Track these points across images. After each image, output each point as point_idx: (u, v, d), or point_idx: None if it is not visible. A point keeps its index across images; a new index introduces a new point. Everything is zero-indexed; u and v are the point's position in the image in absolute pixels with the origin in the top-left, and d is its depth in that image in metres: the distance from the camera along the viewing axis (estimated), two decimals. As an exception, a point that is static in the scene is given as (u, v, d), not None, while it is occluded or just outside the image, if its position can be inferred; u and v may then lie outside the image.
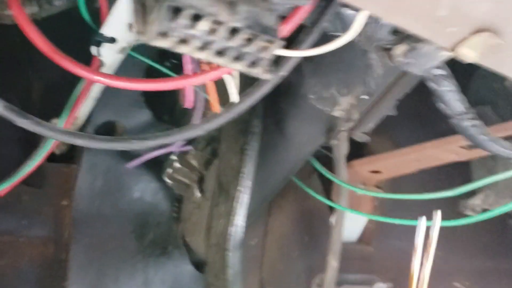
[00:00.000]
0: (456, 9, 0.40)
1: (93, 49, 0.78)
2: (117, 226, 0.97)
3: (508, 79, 0.96)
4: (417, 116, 1.17)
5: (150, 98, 1.01)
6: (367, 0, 0.40)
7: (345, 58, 0.73)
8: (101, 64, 0.81)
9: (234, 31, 0.37)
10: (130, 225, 0.98)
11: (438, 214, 0.36)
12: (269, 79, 0.41)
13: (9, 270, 0.90)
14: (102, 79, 0.51)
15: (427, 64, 0.48)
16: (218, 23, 0.36)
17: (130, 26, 0.78)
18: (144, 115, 0.99)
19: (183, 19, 0.35)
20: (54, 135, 0.50)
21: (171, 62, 1.02)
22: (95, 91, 0.88)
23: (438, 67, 0.58)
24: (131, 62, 0.93)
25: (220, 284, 0.75)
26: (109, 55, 0.80)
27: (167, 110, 1.04)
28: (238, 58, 0.39)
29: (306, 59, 0.78)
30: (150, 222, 1.00)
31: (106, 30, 0.78)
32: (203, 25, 0.36)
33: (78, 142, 0.51)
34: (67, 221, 0.94)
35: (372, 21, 0.55)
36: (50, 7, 0.81)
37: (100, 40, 0.78)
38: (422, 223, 0.38)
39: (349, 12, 0.55)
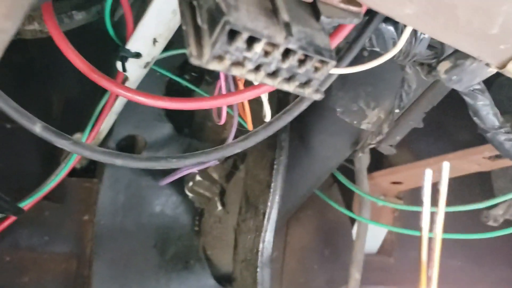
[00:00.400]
0: (508, 27, 0.40)
1: (118, 64, 0.78)
2: (139, 241, 0.96)
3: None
4: (436, 127, 1.17)
5: (170, 112, 1.01)
6: (425, 21, 0.39)
7: (373, 70, 0.73)
8: (125, 79, 0.80)
9: (288, 53, 0.37)
10: (152, 239, 0.98)
11: (446, 167, 0.35)
12: (318, 99, 0.40)
13: (32, 286, 0.89)
14: (141, 98, 0.51)
15: (472, 80, 0.48)
16: (273, 45, 0.36)
17: (155, 41, 0.78)
18: (165, 129, 0.99)
19: (239, 43, 0.35)
20: (92, 155, 0.50)
21: (191, 75, 1.01)
22: (117, 106, 0.88)
23: (474, 82, 0.58)
24: (152, 76, 0.93)
25: (250, 300, 0.74)
26: (133, 70, 0.79)
27: (185, 122, 1.04)
28: (289, 79, 0.39)
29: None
30: (171, 236, 0.99)
31: (132, 45, 0.78)
32: (258, 48, 0.35)
33: (118, 162, 0.51)
34: (89, 236, 0.93)
35: (410, 36, 0.54)
36: (70, 21, 0.81)
37: (125, 55, 0.77)
38: (427, 174, 0.38)
39: (387, 27, 0.54)
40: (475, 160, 0.93)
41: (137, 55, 0.78)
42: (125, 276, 0.94)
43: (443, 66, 0.48)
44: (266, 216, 0.73)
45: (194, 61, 0.36)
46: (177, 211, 1.00)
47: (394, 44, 0.54)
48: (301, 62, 0.38)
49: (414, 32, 0.55)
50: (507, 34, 0.40)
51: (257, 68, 0.37)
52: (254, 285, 0.73)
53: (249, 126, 0.56)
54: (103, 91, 0.87)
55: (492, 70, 0.47)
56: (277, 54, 0.36)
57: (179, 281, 0.97)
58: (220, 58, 0.36)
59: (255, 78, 0.38)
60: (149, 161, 0.51)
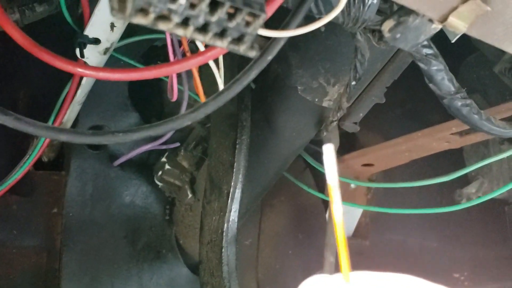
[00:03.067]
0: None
1: (77, 51, 0.77)
2: (109, 232, 0.95)
3: (496, 65, 0.96)
4: (405, 108, 1.17)
5: (138, 101, 1.00)
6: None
7: (331, 45, 0.72)
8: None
9: (215, 5, 0.36)
10: (122, 230, 0.96)
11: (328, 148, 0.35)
12: (253, 56, 0.39)
13: (2, 282, 0.88)
14: (86, 71, 0.50)
15: (417, 38, 0.47)
16: (198, -4, 0.35)
17: (112, 26, 0.78)
18: (132, 119, 0.98)
19: (162, -7, 0.34)
20: (35, 131, 0.49)
21: (156, 63, 1.01)
22: (80, 95, 0.87)
23: (426, 46, 0.57)
24: (115, 64, 0.93)
25: (216, 282, 0.73)
26: (93, 56, 0.79)
27: (155, 113, 1.03)
28: (221, 34, 0.38)
29: (293, 49, 0.78)
30: (142, 227, 0.98)
31: (90, 31, 0.77)
32: None
33: (62, 137, 0.49)
34: (59, 229, 0.92)
35: (358, 1, 0.54)
36: (32, 13, 0.80)
37: (83, 41, 0.77)
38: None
39: (333, -8, 0.54)
40: (443, 137, 0.92)
41: (96, 41, 0.77)
42: (96, 267, 0.93)
43: (387, 25, 0.48)
44: (230, 196, 0.72)
45: (116, 15, 0.35)
46: (147, 201, 0.99)
47: (342, 10, 0.54)
48: (231, 15, 0.37)
49: (361, -3, 0.54)
50: (443, -16, 0.40)
51: (185, 22, 0.37)
52: (219, 265, 0.72)
53: (202, 98, 0.56)
54: (68, 83, 0.86)
55: (436, 27, 0.46)
56: (204, 5, 0.36)
57: (151, 271, 0.96)
58: (144, 11, 0.35)
59: (184, 33, 0.37)
60: (94, 136, 0.50)
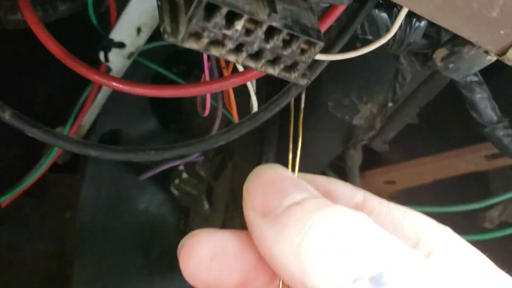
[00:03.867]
0: (509, 10, 0.37)
1: (101, 55, 0.75)
2: (122, 240, 0.93)
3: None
4: (431, 125, 1.14)
5: (156, 106, 0.98)
6: (420, 1, 0.36)
7: (367, 64, 0.70)
8: (108, 69, 0.77)
9: (271, 32, 0.33)
10: (135, 238, 0.94)
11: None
12: (304, 84, 0.37)
13: (11, 286, 0.86)
14: (120, 85, 0.47)
15: (470, 69, 0.45)
16: (255, 22, 0.33)
17: (139, 31, 0.75)
18: (150, 123, 0.95)
19: (218, 18, 0.32)
20: (65, 145, 0.47)
21: (179, 68, 0.98)
22: (100, 98, 0.84)
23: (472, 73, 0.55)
24: (137, 68, 0.90)
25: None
26: (117, 61, 0.76)
27: (173, 118, 1.01)
28: (274, 61, 0.36)
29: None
30: (156, 236, 0.96)
31: (115, 35, 0.75)
32: (239, 25, 0.32)
33: (92, 153, 0.47)
34: (71, 234, 0.90)
35: (405, 24, 0.52)
36: (54, 11, 0.78)
37: (109, 45, 0.74)
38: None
39: (380, 14, 0.51)
40: (471, 159, 0.90)
41: (121, 45, 0.75)
42: (107, 275, 0.91)
43: (440, 53, 0.45)
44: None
45: (168, 38, 0.33)
46: (162, 210, 0.97)
47: (388, 31, 0.51)
48: (286, 42, 0.35)
49: (409, 20, 0.52)
50: (508, 17, 0.38)
51: (239, 48, 0.34)
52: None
53: (235, 117, 0.53)
54: (87, 84, 0.84)
55: (491, 58, 0.44)
56: (260, 32, 0.33)
57: (162, 281, 0.94)
58: (197, 35, 0.33)
59: (236, 59, 0.35)
60: (125, 153, 0.48)
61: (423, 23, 0.52)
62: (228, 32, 0.32)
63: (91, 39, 0.77)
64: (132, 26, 0.73)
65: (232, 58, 0.34)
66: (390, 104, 0.63)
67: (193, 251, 0.30)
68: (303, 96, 0.35)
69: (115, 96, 0.87)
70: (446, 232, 0.30)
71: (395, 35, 0.52)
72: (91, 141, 0.47)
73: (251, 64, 0.35)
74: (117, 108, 0.93)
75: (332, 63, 0.76)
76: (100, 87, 0.82)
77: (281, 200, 0.29)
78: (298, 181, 0.30)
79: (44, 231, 0.90)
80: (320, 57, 0.46)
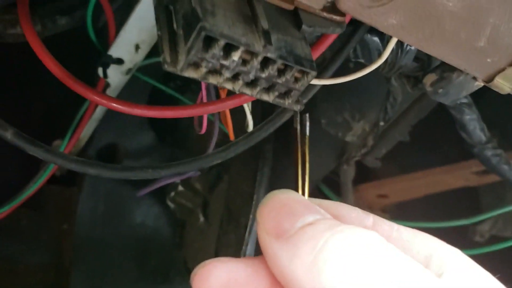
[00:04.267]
0: (496, 40, 0.39)
1: (100, 71, 0.76)
2: (118, 252, 0.94)
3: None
4: (423, 140, 1.16)
5: (153, 120, 0.99)
6: (410, 32, 0.38)
7: (360, 83, 0.71)
8: (106, 85, 0.79)
9: (267, 62, 0.35)
10: (132, 251, 0.95)
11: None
12: (297, 110, 0.39)
13: (7, 298, 0.87)
14: (119, 106, 0.49)
15: (459, 94, 0.46)
16: (251, 53, 0.34)
17: (137, 48, 0.77)
18: (147, 137, 0.97)
19: (216, 50, 0.33)
20: (64, 163, 0.48)
21: (176, 83, 0.99)
22: (98, 113, 0.86)
23: (461, 95, 0.56)
24: (135, 83, 0.91)
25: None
26: (115, 77, 0.78)
27: (170, 132, 1.02)
28: (268, 89, 0.37)
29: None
30: (152, 248, 0.97)
31: (114, 51, 0.76)
32: (236, 56, 0.34)
33: (91, 171, 0.49)
34: (68, 246, 0.91)
35: (396, 47, 0.53)
36: (53, 26, 0.79)
37: (107, 61, 0.76)
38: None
39: (372, 38, 0.53)
40: (462, 175, 0.92)
41: (119, 62, 0.77)
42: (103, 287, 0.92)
43: (429, 78, 0.47)
44: (248, 229, 0.71)
45: (168, 68, 0.34)
46: (158, 222, 0.98)
47: (379, 55, 0.53)
48: (281, 71, 0.36)
49: (400, 44, 0.54)
50: (494, 47, 0.39)
51: (235, 76, 0.36)
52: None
53: (231, 136, 0.55)
54: (84, 98, 0.85)
55: (479, 84, 0.45)
56: (256, 63, 0.35)
57: (158, 294, 0.95)
58: (196, 65, 0.34)
59: (233, 87, 0.36)
60: (123, 171, 0.49)
61: (414, 47, 0.54)
62: (225, 63, 0.34)
63: (90, 54, 0.78)
64: (131, 43, 0.75)
65: (229, 86, 0.36)
66: (381, 124, 0.65)
67: (205, 281, 0.30)
68: (307, 123, 0.37)
69: (112, 110, 0.88)
70: (456, 253, 0.31)
71: (386, 59, 0.54)
72: (89, 160, 0.48)
73: (247, 91, 0.37)
74: (114, 121, 0.94)
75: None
76: (98, 102, 0.83)
77: (294, 222, 0.29)
78: (310, 204, 0.31)
79: (41, 243, 0.91)
80: (313, 81, 0.48)
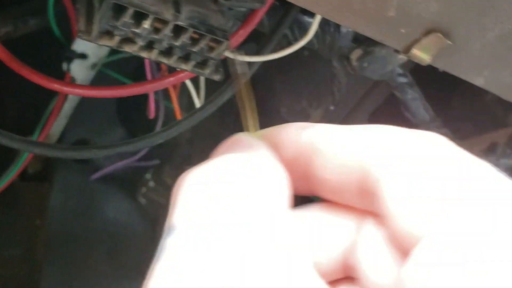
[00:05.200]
0: (405, 9, 0.40)
1: (64, 65, 0.78)
2: (91, 247, 0.95)
3: (488, 95, 0.96)
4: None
5: (126, 117, 1.01)
6: (318, 2, 0.40)
7: (312, 70, 0.73)
8: (72, 80, 0.81)
9: (179, 31, 0.37)
10: (104, 246, 0.96)
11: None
12: (218, 80, 0.40)
13: (-22, 291, 0.88)
14: (63, 87, 0.51)
15: (384, 68, 0.48)
16: (162, 22, 0.36)
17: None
18: (118, 133, 0.98)
19: (127, 18, 0.35)
20: (10, 143, 0.50)
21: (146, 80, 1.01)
22: (67, 108, 0.87)
23: (402, 75, 0.58)
24: (105, 80, 0.93)
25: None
26: (80, 71, 0.79)
27: (140, 126, 1.04)
28: (185, 58, 0.39)
29: (277, 72, 0.79)
30: (124, 243, 0.98)
31: (77, 46, 0.78)
32: (146, 24, 0.35)
33: (36, 151, 0.50)
34: (40, 241, 0.92)
35: (333, 29, 0.55)
36: (25, 26, 0.82)
37: (70, 56, 0.78)
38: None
39: (308, 19, 0.55)
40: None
41: (83, 56, 0.79)
42: (75, 282, 0.93)
43: (355, 54, 0.49)
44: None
45: (82, 36, 0.36)
46: (130, 218, 0.99)
47: (317, 36, 0.55)
48: (195, 41, 0.38)
49: (338, 25, 0.55)
50: (405, 17, 0.41)
51: (150, 45, 0.37)
52: None
53: (177, 115, 0.57)
54: (55, 95, 0.87)
55: (403, 57, 0.47)
56: (168, 30, 0.36)
57: (130, 288, 0.96)
58: (109, 34, 0.36)
59: (149, 56, 0.38)
60: (68, 151, 0.51)
61: (351, 29, 0.56)
62: (137, 30, 0.36)
63: (60, 52, 0.80)
64: (93, 38, 0.77)
65: (144, 54, 0.38)
66: (331, 108, 0.66)
67: None
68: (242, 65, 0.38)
69: (84, 107, 0.90)
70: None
71: (324, 39, 0.56)
72: (34, 140, 0.50)
73: (164, 60, 0.38)
74: (85, 118, 0.95)
75: (284, 71, 0.80)
76: (65, 97, 0.85)
77: None
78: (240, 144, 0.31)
79: (14, 238, 0.92)
80: (248, 58, 0.50)
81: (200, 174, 0.26)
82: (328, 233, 0.31)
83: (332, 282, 0.31)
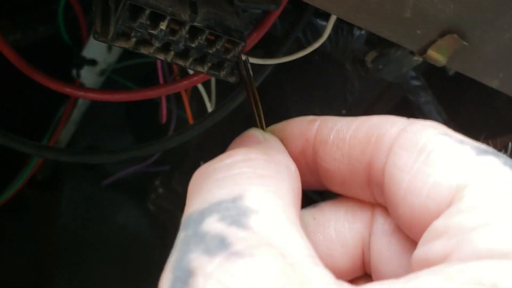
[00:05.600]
0: (421, 10, 0.40)
1: (74, 71, 0.78)
2: (100, 254, 0.95)
3: (497, 100, 0.96)
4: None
5: (133, 122, 1.01)
6: (334, 3, 0.39)
7: (323, 74, 0.73)
8: (82, 86, 0.81)
9: (196, 32, 0.37)
10: (113, 252, 0.96)
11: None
12: (233, 82, 0.40)
13: (-12, 301, 0.88)
14: (74, 91, 0.50)
15: (400, 69, 0.48)
16: (179, 23, 0.36)
17: (110, 48, 0.79)
18: (128, 139, 0.98)
19: (143, 19, 0.35)
20: (22, 148, 0.50)
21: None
22: (76, 114, 0.87)
23: (414, 78, 0.58)
24: (114, 86, 0.93)
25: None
26: (89, 77, 0.80)
27: (151, 133, 1.04)
28: (201, 60, 0.39)
29: (288, 76, 0.79)
30: (133, 251, 0.98)
31: (87, 52, 0.78)
32: (163, 25, 0.35)
33: (48, 155, 0.50)
34: (50, 249, 0.92)
35: (346, 32, 0.55)
36: (34, 32, 0.82)
37: (80, 62, 0.78)
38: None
39: (321, 22, 0.55)
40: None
41: (92, 62, 0.79)
42: (85, 289, 0.92)
43: (370, 56, 0.49)
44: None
45: (99, 38, 0.36)
46: (139, 225, 0.99)
47: (330, 39, 0.55)
48: (211, 42, 0.38)
49: (350, 27, 0.55)
50: (421, 18, 0.41)
51: (166, 47, 0.37)
52: None
53: (190, 119, 0.56)
54: (64, 101, 0.87)
55: (418, 59, 0.47)
56: (184, 32, 0.36)
57: (140, 295, 0.95)
58: (125, 36, 0.36)
59: (165, 58, 0.38)
60: (80, 155, 0.51)
61: (364, 31, 0.56)
62: (153, 32, 0.36)
63: (70, 58, 0.80)
64: (103, 44, 0.77)
65: (161, 56, 0.37)
66: (343, 112, 0.66)
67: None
68: (249, 67, 0.38)
69: (94, 113, 0.90)
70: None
71: (337, 42, 0.55)
72: (46, 145, 0.50)
73: (180, 62, 0.38)
74: (93, 124, 0.95)
75: (295, 76, 0.80)
76: (75, 103, 0.85)
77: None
78: (252, 141, 0.32)
79: (23, 247, 0.92)
80: (262, 61, 0.50)
81: (209, 167, 0.27)
82: (344, 231, 0.31)
83: (353, 280, 0.31)
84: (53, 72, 0.60)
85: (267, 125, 0.43)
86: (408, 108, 0.69)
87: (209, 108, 0.58)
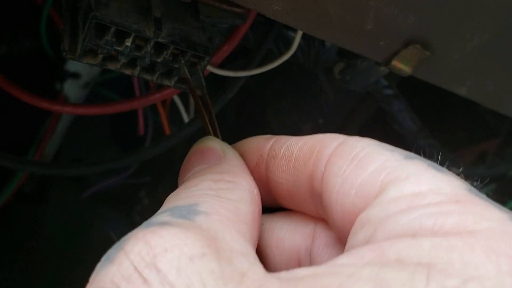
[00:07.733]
0: (382, 22, 0.41)
1: (57, 84, 0.79)
2: (86, 267, 0.95)
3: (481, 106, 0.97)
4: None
5: (117, 134, 1.02)
6: (296, 18, 0.40)
7: (301, 84, 0.74)
8: (65, 99, 0.81)
9: (161, 48, 0.38)
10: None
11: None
12: (200, 95, 0.41)
13: (-26, 314, 0.88)
14: (50, 106, 0.51)
15: (367, 80, 0.49)
16: (144, 39, 0.37)
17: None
18: (113, 151, 0.99)
19: (108, 36, 0.36)
20: (4, 162, 0.50)
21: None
22: (61, 128, 0.88)
23: (387, 87, 0.59)
24: (98, 99, 0.94)
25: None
26: (73, 91, 0.80)
27: (134, 145, 1.04)
28: (168, 74, 0.40)
29: (268, 86, 0.80)
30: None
31: (70, 66, 0.79)
32: (128, 42, 0.36)
33: (27, 168, 0.51)
34: (36, 261, 0.92)
35: (318, 43, 0.56)
36: (20, 47, 0.83)
37: (63, 75, 0.79)
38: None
39: (293, 34, 0.56)
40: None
41: (76, 75, 0.80)
42: (71, 301, 0.92)
43: (338, 67, 0.50)
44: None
45: (67, 55, 0.37)
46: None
47: (302, 51, 0.56)
48: (176, 57, 0.39)
49: (322, 40, 0.56)
50: (383, 30, 0.42)
51: (133, 62, 0.38)
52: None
53: (166, 130, 0.57)
54: (49, 115, 0.88)
55: (384, 69, 0.48)
56: (149, 48, 0.37)
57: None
58: (93, 52, 0.37)
59: (132, 73, 0.39)
60: (56, 168, 0.51)
61: (332, 43, 0.57)
62: (119, 48, 0.37)
63: (54, 72, 0.81)
64: (85, 58, 0.78)
65: (128, 71, 0.39)
66: (320, 121, 0.67)
67: None
68: (201, 75, 0.39)
69: (79, 126, 0.91)
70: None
71: (309, 54, 0.57)
72: (24, 158, 0.50)
73: (147, 76, 0.39)
74: (79, 137, 0.96)
75: (274, 86, 0.81)
76: (59, 117, 0.86)
77: (187, 172, 0.34)
78: (212, 151, 0.34)
79: (9, 259, 0.92)
80: (233, 74, 0.51)
81: (177, 194, 0.29)
82: (284, 240, 0.32)
83: None
84: (38, 86, 0.61)
85: (250, 135, 0.44)
86: (384, 117, 0.71)
87: (186, 119, 0.59)
